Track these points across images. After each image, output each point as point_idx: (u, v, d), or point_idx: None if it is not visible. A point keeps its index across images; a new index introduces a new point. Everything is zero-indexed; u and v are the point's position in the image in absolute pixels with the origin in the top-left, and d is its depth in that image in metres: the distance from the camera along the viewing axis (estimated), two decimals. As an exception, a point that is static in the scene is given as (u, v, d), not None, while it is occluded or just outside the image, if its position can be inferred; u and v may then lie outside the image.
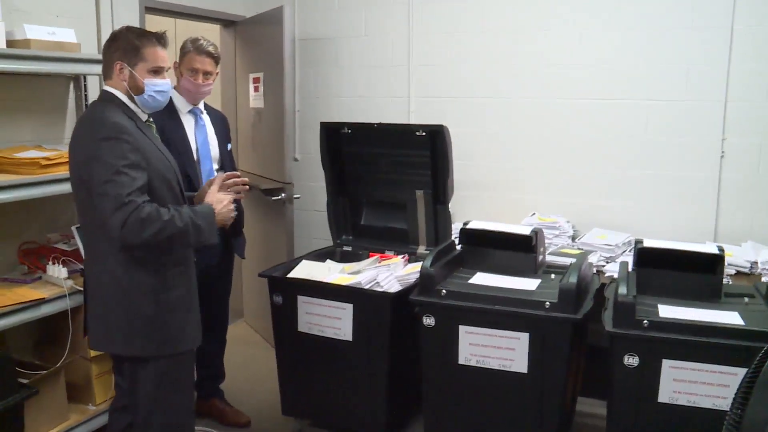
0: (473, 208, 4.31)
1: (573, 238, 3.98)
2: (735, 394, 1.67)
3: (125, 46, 2.41)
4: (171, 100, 3.20)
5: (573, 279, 2.77)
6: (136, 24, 3.79)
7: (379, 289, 3.17)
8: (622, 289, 2.63)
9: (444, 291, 2.92)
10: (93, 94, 3.57)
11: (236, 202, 2.70)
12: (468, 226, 3.36)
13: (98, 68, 3.31)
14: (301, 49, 4.86)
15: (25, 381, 2.88)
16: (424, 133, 3.48)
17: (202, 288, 3.04)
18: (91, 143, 2.30)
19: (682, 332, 2.51)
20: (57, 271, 3.05)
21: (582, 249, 3.70)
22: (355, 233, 3.93)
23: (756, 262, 3.45)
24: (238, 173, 2.77)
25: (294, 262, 3.55)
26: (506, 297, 2.86)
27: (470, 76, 4.36)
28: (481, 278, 3.12)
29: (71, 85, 3.54)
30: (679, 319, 2.58)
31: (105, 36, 3.62)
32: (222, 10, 4.67)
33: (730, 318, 2.62)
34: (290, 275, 3.38)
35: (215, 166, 3.42)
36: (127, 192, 2.22)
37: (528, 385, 2.84)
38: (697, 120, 3.83)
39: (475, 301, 2.87)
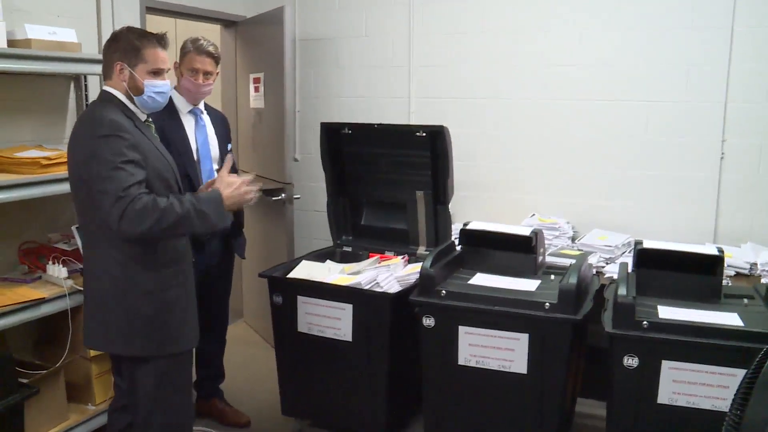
0: (473, 208, 4.32)
1: (573, 239, 3.98)
2: (734, 395, 1.67)
3: (126, 47, 2.41)
4: (171, 100, 3.20)
5: (573, 280, 2.77)
6: (136, 24, 3.80)
7: (378, 289, 3.17)
8: (622, 290, 2.64)
9: (444, 291, 2.93)
10: (93, 94, 3.56)
11: None
12: (468, 227, 3.36)
13: (99, 68, 3.30)
14: (301, 49, 4.86)
15: (25, 380, 2.88)
16: (424, 134, 3.49)
17: (202, 288, 3.05)
18: (89, 142, 2.31)
19: (682, 333, 2.51)
20: (57, 271, 3.05)
21: (582, 250, 3.70)
22: (355, 234, 3.93)
23: (755, 264, 3.45)
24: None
25: (294, 263, 3.55)
26: (506, 298, 2.86)
27: (470, 77, 4.36)
28: (481, 279, 3.13)
29: (72, 85, 3.55)
30: (678, 320, 2.58)
31: (105, 36, 3.63)
32: (222, 11, 4.67)
33: (730, 319, 2.62)
34: (290, 275, 3.38)
35: (215, 166, 3.42)
36: (125, 186, 2.23)
37: (528, 386, 2.84)
38: (697, 121, 3.83)
39: (475, 302, 2.87)
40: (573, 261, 3.15)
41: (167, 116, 3.12)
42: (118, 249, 2.36)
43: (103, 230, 2.36)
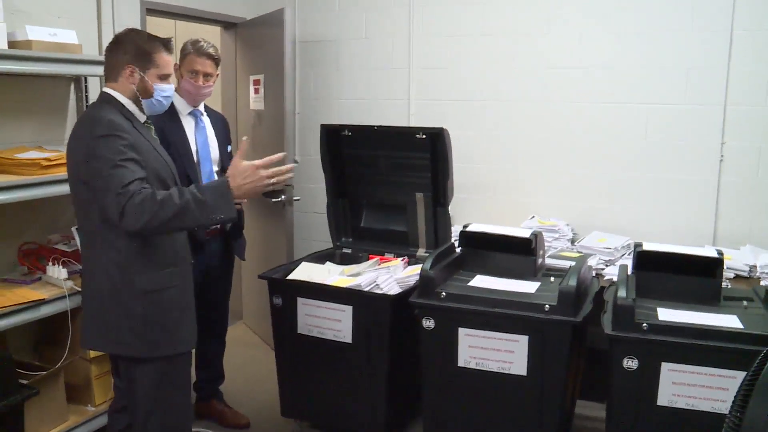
0: (473, 210, 4.32)
1: (572, 241, 3.98)
2: (734, 397, 1.68)
3: (137, 51, 2.43)
4: (171, 102, 3.20)
5: (572, 282, 2.77)
6: (137, 26, 3.80)
7: (378, 291, 3.17)
8: (622, 292, 2.64)
9: (444, 293, 2.93)
10: (94, 96, 3.56)
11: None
12: (468, 229, 3.37)
13: (99, 70, 3.31)
14: (301, 51, 4.87)
15: (24, 381, 2.88)
16: (424, 136, 3.49)
17: (202, 289, 3.06)
18: (88, 142, 2.32)
19: (682, 335, 2.52)
20: (57, 272, 3.05)
21: (581, 252, 3.71)
22: (354, 235, 3.93)
23: (755, 266, 3.46)
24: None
25: (294, 264, 3.55)
26: (506, 300, 2.86)
27: (470, 79, 4.37)
28: (481, 281, 3.13)
29: (72, 87, 3.55)
30: (678, 323, 2.58)
31: (106, 37, 3.65)
32: (223, 12, 4.67)
33: (729, 321, 2.62)
34: (290, 277, 3.38)
35: (215, 168, 3.43)
36: (125, 183, 2.23)
37: (527, 388, 2.84)
38: (696, 123, 3.84)
39: (475, 304, 2.87)
40: (573, 263, 3.16)
41: (167, 118, 3.12)
42: (116, 250, 2.36)
43: (101, 231, 2.36)
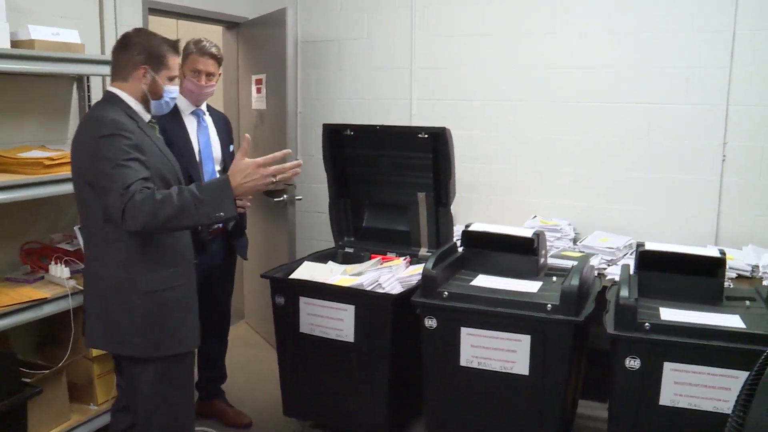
0: (475, 210, 4.32)
1: (574, 241, 3.98)
2: (737, 397, 1.68)
3: (151, 52, 2.45)
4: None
5: (575, 281, 2.77)
6: (139, 25, 3.80)
7: (381, 290, 3.17)
8: (624, 292, 2.64)
9: (446, 293, 2.93)
10: (96, 95, 3.58)
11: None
12: (470, 229, 3.36)
13: (102, 69, 3.33)
14: (303, 50, 4.87)
15: (27, 380, 2.88)
16: (426, 135, 3.49)
17: (204, 289, 3.06)
18: (92, 142, 2.32)
19: (684, 335, 2.52)
20: (59, 271, 3.05)
21: (583, 252, 3.70)
22: (357, 235, 3.94)
23: (757, 266, 3.46)
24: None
25: (296, 264, 3.56)
26: (508, 299, 2.86)
27: (472, 79, 4.37)
28: (483, 280, 3.13)
29: (74, 86, 3.55)
30: (680, 322, 2.58)
31: (108, 37, 3.66)
32: (225, 12, 4.68)
33: (732, 321, 2.62)
34: (292, 276, 3.38)
35: (217, 168, 3.43)
36: (128, 183, 2.23)
37: (529, 387, 2.84)
38: (698, 123, 3.84)
39: (477, 303, 2.88)
40: (575, 263, 3.15)
41: (170, 117, 3.12)
42: (119, 249, 2.37)
43: (104, 230, 2.36)
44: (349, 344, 3.19)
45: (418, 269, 3.27)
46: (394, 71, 4.60)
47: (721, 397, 2.49)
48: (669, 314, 2.67)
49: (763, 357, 1.69)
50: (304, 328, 3.28)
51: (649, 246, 3.03)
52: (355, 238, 3.93)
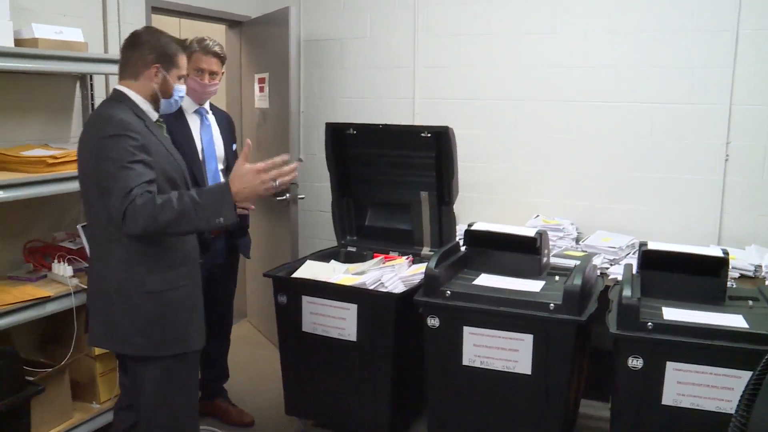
0: (477, 209, 4.32)
1: (577, 241, 3.98)
2: (740, 397, 1.67)
3: (162, 51, 2.46)
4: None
5: (577, 281, 2.77)
6: (142, 24, 3.81)
7: (383, 289, 3.18)
8: (627, 292, 2.64)
9: (448, 292, 2.93)
10: (99, 93, 3.58)
11: None
12: (473, 228, 3.36)
13: (105, 68, 3.33)
14: (306, 49, 4.87)
15: (30, 378, 2.89)
16: (429, 135, 3.49)
17: (206, 288, 3.05)
18: (98, 141, 2.32)
19: (687, 335, 2.52)
20: (62, 270, 3.06)
21: (586, 251, 3.70)
22: (359, 234, 3.94)
23: (760, 266, 3.45)
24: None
25: (298, 263, 3.56)
26: (510, 298, 2.86)
27: (475, 78, 4.37)
28: (486, 279, 3.13)
29: (77, 85, 3.55)
30: (683, 322, 2.58)
31: (111, 35, 3.66)
32: (228, 11, 4.68)
33: (735, 321, 2.62)
34: (295, 275, 3.38)
35: (220, 167, 3.43)
36: (132, 186, 2.23)
37: (532, 387, 2.84)
38: (701, 123, 3.83)
39: (480, 303, 2.88)
40: (577, 262, 3.16)
41: (173, 116, 3.11)
42: (124, 249, 2.36)
43: (110, 229, 2.36)
44: (351, 343, 3.19)
45: (420, 268, 3.27)
46: (397, 70, 4.60)
47: (723, 397, 2.48)
48: (672, 314, 2.67)
49: (766, 357, 1.69)
50: (306, 327, 3.28)
51: (652, 245, 3.03)
52: (357, 237, 3.93)
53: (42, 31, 3.04)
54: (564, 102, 4.14)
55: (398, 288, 3.19)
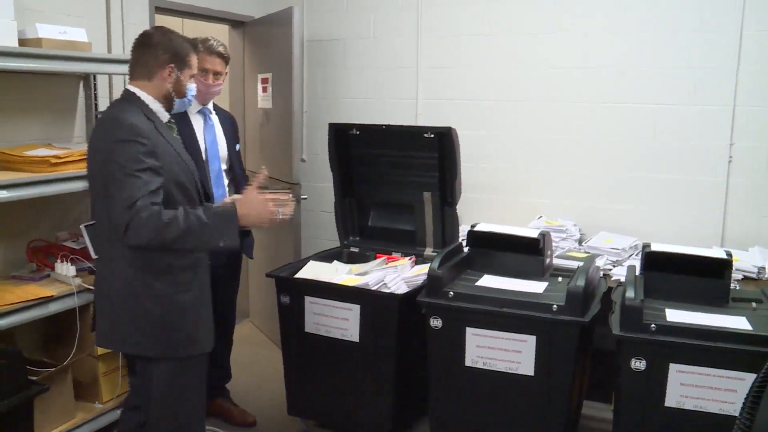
0: (480, 210, 4.32)
1: (580, 242, 3.98)
2: (744, 399, 1.67)
3: (176, 51, 2.47)
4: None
5: (580, 282, 2.77)
6: (145, 24, 3.81)
7: (386, 290, 3.17)
8: (630, 293, 2.63)
9: (451, 293, 2.93)
10: (102, 93, 3.59)
11: None
12: (475, 229, 3.36)
13: (109, 67, 3.34)
14: (309, 50, 4.87)
15: (33, 378, 2.89)
16: (432, 135, 3.49)
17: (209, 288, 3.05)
18: (107, 145, 2.31)
19: (690, 336, 2.51)
20: (65, 269, 3.06)
21: (589, 252, 3.70)
22: (362, 234, 3.94)
23: (763, 267, 3.44)
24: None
25: (301, 263, 3.56)
26: (513, 299, 2.86)
27: (478, 79, 4.37)
28: (489, 280, 3.13)
29: (81, 84, 3.56)
30: (686, 324, 2.57)
31: (115, 35, 3.67)
32: (231, 11, 4.68)
33: (738, 323, 2.61)
34: (297, 276, 3.38)
35: (223, 167, 3.43)
36: (138, 195, 2.22)
37: (534, 388, 2.84)
38: (705, 124, 3.83)
39: (483, 303, 2.87)
40: (580, 263, 3.15)
41: (176, 116, 3.12)
42: (133, 251, 2.34)
43: (113, 231, 2.36)
44: (354, 344, 3.19)
45: (423, 269, 3.27)
46: (400, 71, 4.60)
47: (727, 399, 2.48)
48: (675, 315, 2.66)
49: (770, 359, 1.68)
50: (309, 327, 3.28)
51: (655, 247, 3.02)
52: (360, 238, 3.93)
53: (46, 31, 3.05)
54: (565, 102, 4.14)
55: (401, 289, 3.19)
